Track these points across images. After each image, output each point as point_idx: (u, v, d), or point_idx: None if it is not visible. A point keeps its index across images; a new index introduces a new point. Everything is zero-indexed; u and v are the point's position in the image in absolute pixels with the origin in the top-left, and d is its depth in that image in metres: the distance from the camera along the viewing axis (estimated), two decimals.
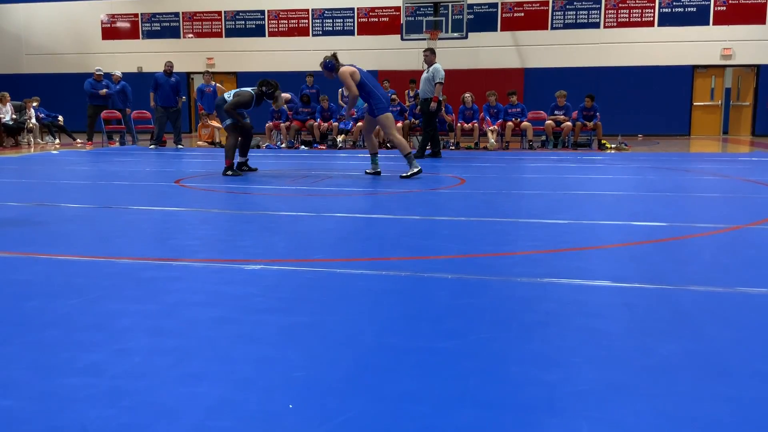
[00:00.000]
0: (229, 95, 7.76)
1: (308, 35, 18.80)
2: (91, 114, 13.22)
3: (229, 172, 7.62)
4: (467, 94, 12.92)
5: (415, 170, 7.18)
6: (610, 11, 17.24)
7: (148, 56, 19.40)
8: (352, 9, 18.51)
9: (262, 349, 2.05)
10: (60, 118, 15.00)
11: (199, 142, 13.80)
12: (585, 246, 3.67)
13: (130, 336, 2.17)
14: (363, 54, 18.28)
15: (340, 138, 13.02)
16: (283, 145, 13.43)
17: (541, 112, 13.85)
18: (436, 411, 1.62)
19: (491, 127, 12.71)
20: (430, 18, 16.21)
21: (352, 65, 7.42)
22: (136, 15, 19.80)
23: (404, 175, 7.21)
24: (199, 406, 1.65)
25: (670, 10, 16.94)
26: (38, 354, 2.02)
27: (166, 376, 1.84)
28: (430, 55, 10.37)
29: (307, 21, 18.83)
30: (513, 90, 13.52)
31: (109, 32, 19.98)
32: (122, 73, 14.12)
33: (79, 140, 13.70)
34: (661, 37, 17.01)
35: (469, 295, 2.66)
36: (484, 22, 17.74)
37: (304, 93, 13.75)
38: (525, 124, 12.87)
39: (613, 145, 12.46)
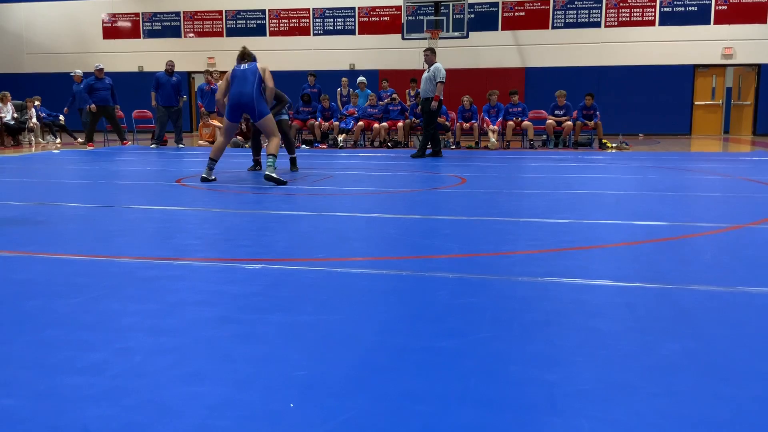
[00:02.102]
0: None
1: (309, 34, 18.80)
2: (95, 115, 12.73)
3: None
4: (465, 98, 12.92)
5: (208, 177, 6.77)
6: (611, 10, 17.23)
7: (149, 55, 19.40)
8: (353, 8, 18.51)
9: (263, 348, 2.05)
10: (61, 117, 14.99)
11: (200, 142, 13.79)
12: (586, 245, 3.67)
13: (131, 335, 2.17)
14: (363, 53, 18.30)
15: (341, 137, 13.02)
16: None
17: (542, 111, 13.83)
18: (437, 410, 1.62)
19: (491, 127, 12.70)
20: (431, 17, 16.20)
21: (238, 66, 6.91)
22: (137, 14, 19.80)
23: (204, 176, 6.77)
24: (200, 406, 1.65)
25: (671, 9, 16.92)
26: (39, 353, 2.02)
27: (167, 375, 1.84)
28: (430, 55, 10.36)
29: (308, 20, 18.82)
30: (514, 89, 13.52)
31: (110, 31, 19.99)
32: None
33: (80, 139, 13.68)
34: (662, 37, 16.99)
35: (469, 294, 2.66)
36: (484, 21, 17.73)
37: (305, 92, 13.75)
38: (526, 123, 12.86)
39: (614, 145, 12.46)
